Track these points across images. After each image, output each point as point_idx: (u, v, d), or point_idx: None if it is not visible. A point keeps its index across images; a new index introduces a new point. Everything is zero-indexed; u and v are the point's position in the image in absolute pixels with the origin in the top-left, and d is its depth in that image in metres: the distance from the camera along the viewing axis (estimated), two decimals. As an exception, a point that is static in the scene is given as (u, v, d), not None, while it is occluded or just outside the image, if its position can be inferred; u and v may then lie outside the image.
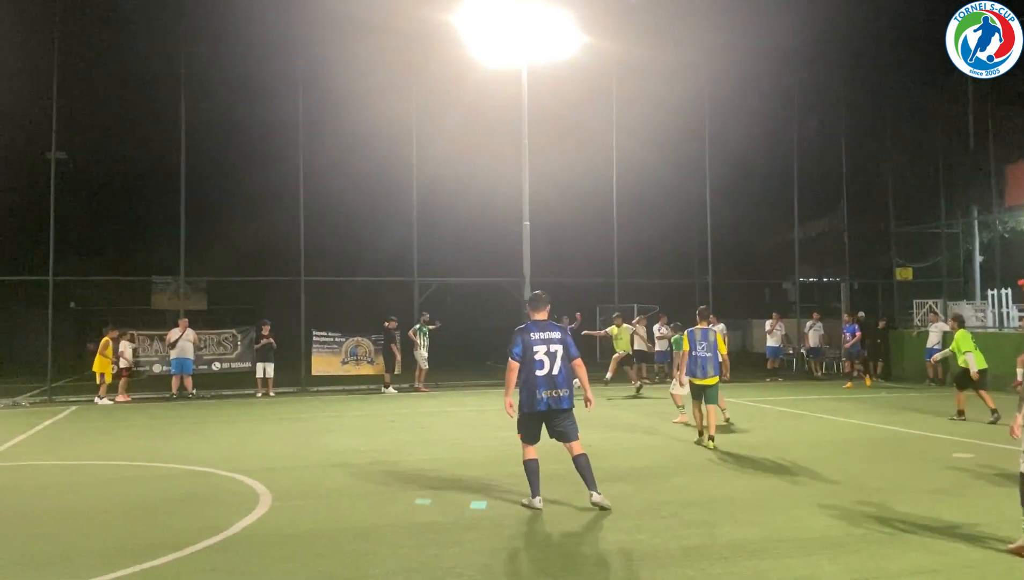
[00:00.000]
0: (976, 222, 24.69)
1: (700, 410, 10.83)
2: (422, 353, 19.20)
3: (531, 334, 7.42)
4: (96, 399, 17.15)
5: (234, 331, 19.58)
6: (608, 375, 18.02)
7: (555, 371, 7.35)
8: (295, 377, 19.31)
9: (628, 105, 22.41)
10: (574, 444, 7.57)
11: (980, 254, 25.14)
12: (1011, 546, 5.96)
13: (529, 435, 7.54)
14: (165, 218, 20.30)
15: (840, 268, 25.13)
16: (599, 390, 18.00)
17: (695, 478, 9.01)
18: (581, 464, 7.52)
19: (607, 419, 13.51)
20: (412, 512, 7.49)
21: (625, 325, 18.90)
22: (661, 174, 24.74)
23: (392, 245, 22.71)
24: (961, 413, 13.44)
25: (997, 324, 21.95)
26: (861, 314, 23.45)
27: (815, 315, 22.78)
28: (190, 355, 18.21)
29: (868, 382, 19.95)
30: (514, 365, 7.40)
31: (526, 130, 20.52)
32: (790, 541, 6.43)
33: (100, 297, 29.30)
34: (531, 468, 7.51)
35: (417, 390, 18.85)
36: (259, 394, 18.38)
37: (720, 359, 10.76)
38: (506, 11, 18.85)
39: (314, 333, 19.53)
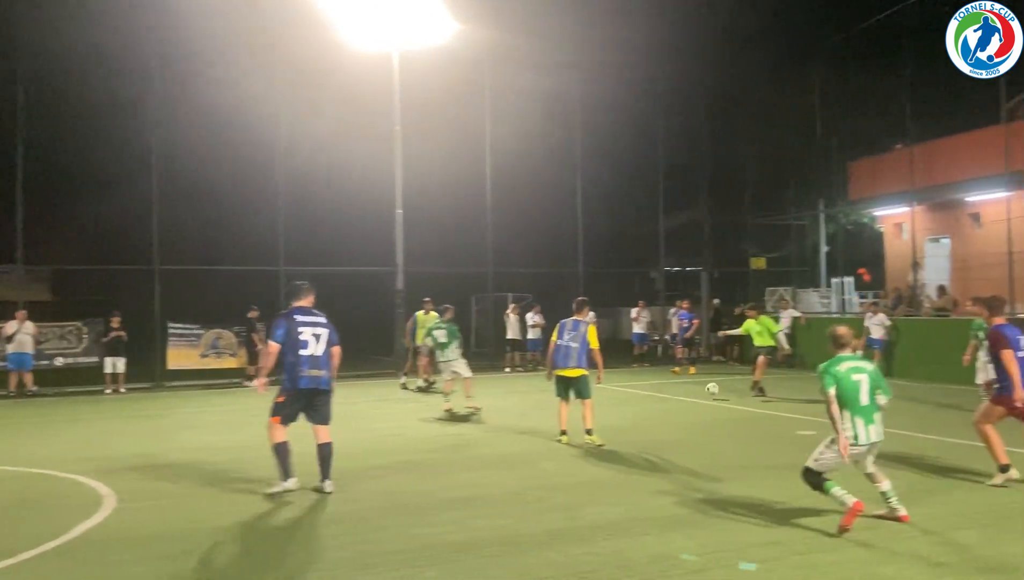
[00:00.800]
0: (822, 215, 26.46)
1: (565, 407, 10.28)
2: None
3: (295, 317, 7.62)
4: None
5: (80, 323, 18.23)
6: (421, 380, 16.75)
7: (319, 352, 7.57)
8: (149, 372, 18.23)
9: (502, 94, 22.50)
10: (325, 430, 7.76)
11: (825, 245, 26.97)
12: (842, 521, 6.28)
13: (287, 414, 7.61)
14: (2, 200, 18.64)
15: (702, 258, 26.30)
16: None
17: (562, 463, 9.16)
18: (325, 452, 7.72)
19: (489, 411, 13.54)
20: (272, 509, 7.22)
21: (434, 312, 16.57)
22: (535, 163, 24.99)
23: (257, 233, 21.81)
24: (756, 384, 15.01)
25: (840, 310, 23.63)
26: (716, 301, 24.70)
27: (678, 303, 23.73)
28: (29, 349, 16.82)
29: (691, 371, 19.93)
30: (274, 348, 7.60)
31: (398, 116, 20.23)
32: (648, 520, 6.64)
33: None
34: (282, 451, 7.55)
35: (284, 383, 18.23)
36: (108, 391, 17.25)
37: (589, 351, 10.04)
38: (375, -7, 18.47)
39: (170, 325, 18.50)
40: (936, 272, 22.65)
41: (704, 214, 25.40)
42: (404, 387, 17.23)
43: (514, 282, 25.77)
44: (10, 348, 16.68)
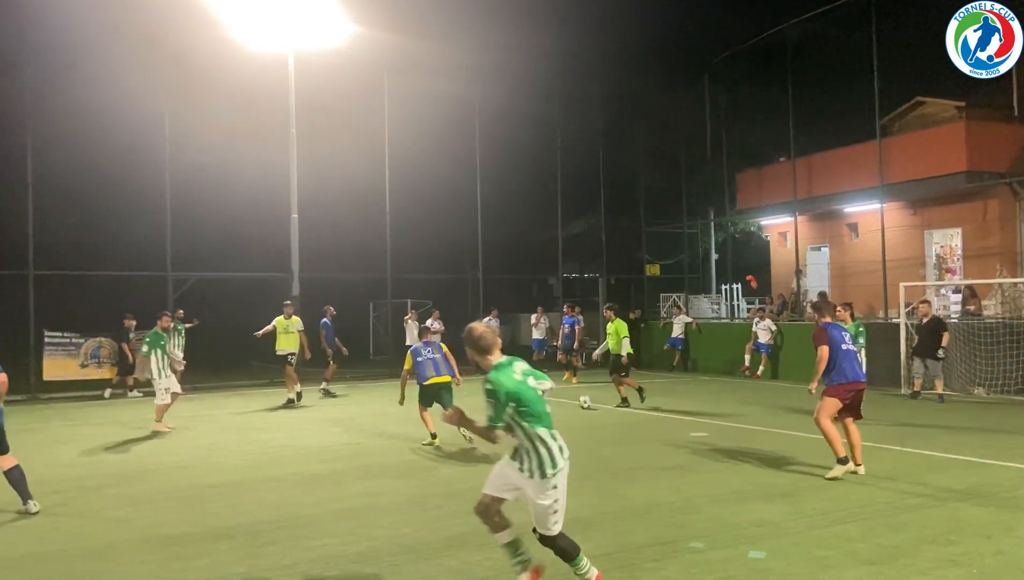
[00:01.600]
0: (712, 224, 27.49)
1: (429, 414, 10.45)
2: (177, 353, 17.76)
3: None
4: None
5: (-55, 332, 16.92)
6: (293, 393, 15.46)
7: None
8: (23, 384, 17.05)
9: (400, 99, 22.31)
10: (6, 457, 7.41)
11: (715, 252, 28.04)
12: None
13: None
14: None
15: (599, 264, 26.84)
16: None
17: (460, 470, 9.14)
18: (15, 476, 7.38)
19: (386, 419, 13.35)
20: (159, 525, 6.88)
21: (295, 317, 15.88)
22: (435, 170, 24.94)
23: (143, 236, 20.81)
24: (625, 400, 14.26)
25: (729, 315, 24.61)
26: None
27: (567, 309, 23.96)
28: None
29: (566, 377, 19.07)
30: None
31: (294, 119, 19.78)
32: (547, 524, 6.68)
33: None
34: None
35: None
36: (-24, 404, 16.02)
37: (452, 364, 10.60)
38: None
39: (46, 333, 17.39)
40: (817, 279, 23.94)
41: (601, 221, 25.93)
42: (328, 394, 16.80)
43: (413, 288, 25.59)
44: None
